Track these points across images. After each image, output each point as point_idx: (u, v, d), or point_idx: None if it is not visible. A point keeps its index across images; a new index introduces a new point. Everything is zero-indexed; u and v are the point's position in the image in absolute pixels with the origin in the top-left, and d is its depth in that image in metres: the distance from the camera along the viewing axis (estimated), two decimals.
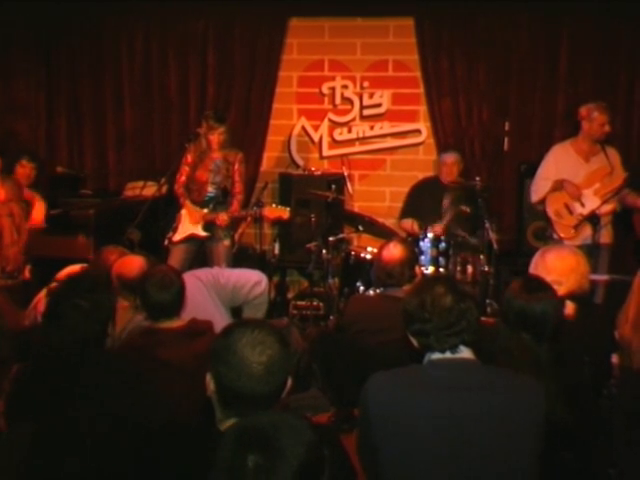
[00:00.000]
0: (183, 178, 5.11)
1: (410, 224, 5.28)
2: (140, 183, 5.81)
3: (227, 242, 5.09)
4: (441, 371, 2.02)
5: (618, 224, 4.92)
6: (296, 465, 1.29)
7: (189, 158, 5.09)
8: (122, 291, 3.14)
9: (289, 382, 1.88)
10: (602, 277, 4.57)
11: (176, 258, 4.97)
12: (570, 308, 2.81)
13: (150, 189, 5.52)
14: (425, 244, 4.80)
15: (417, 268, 3.51)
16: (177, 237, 5.07)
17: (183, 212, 5.11)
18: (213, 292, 3.35)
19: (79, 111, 6.50)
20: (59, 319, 2.27)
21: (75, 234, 5.23)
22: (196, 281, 3.35)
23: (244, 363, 1.81)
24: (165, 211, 5.36)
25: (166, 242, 5.08)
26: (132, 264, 3.27)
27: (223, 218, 4.95)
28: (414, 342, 2.11)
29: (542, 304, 2.33)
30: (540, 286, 2.45)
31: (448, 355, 2.03)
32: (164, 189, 5.25)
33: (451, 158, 5.41)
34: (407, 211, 5.49)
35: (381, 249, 3.45)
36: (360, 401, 2.05)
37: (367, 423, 2.01)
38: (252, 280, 3.50)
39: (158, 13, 6.26)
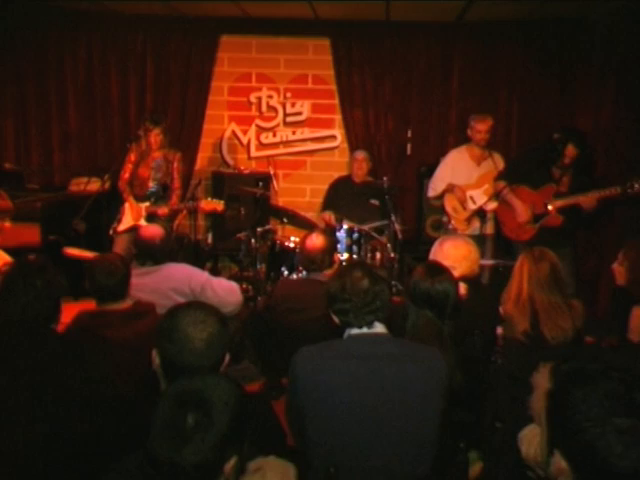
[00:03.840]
0: (126, 175, 4.99)
1: (328, 216, 5.32)
2: (84, 179, 5.61)
3: None
4: (359, 344, 2.04)
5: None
6: (229, 418, 1.33)
7: (132, 157, 4.99)
8: None
9: (227, 357, 1.85)
10: (488, 262, 4.71)
11: (120, 246, 4.85)
12: (463, 288, 2.87)
13: (94, 184, 5.36)
14: (341, 234, 4.84)
15: (335, 255, 3.52)
16: (121, 227, 4.94)
17: (126, 205, 4.98)
18: (185, 299, 2.90)
19: (25, 113, 6.16)
20: (13, 297, 2.13)
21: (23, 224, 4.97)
22: (177, 293, 3.03)
23: (187, 339, 1.77)
24: (108, 205, 5.19)
25: (111, 232, 4.95)
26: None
27: (163, 210, 4.89)
28: (335, 319, 2.12)
29: (443, 285, 2.38)
30: (440, 270, 2.50)
31: (365, 330, 2.05)
32: (107, 185, 5.08)
33: (361, 155, 5.48)
34: (326, 205, 5.52)
35: (305, 239, 3.43)
36: (289, 371, 2.04)
37: (295, 390, 2.02)
38: (231, 303, 3.15)
39: (99, 26, 6.01)
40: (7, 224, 3.44)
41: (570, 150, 4.23)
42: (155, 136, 4.85)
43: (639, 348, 2.76)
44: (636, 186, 3.95)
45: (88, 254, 4.03)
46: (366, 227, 4.93)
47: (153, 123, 4.88)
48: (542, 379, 1.88)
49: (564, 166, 4.29)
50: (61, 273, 2.29)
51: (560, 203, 4.28)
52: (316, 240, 3.33)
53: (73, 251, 4.35)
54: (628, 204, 4.49)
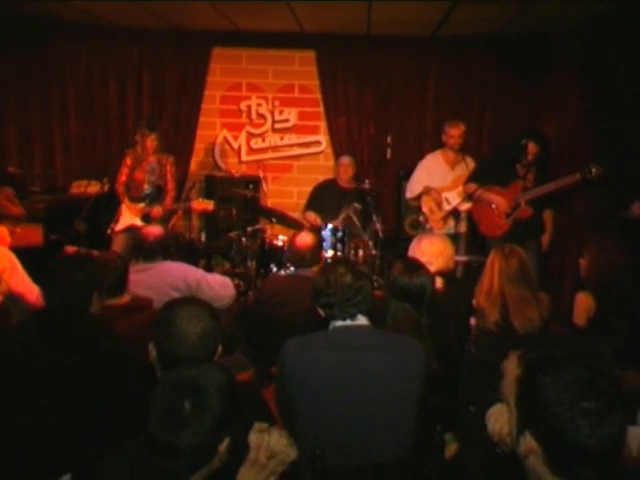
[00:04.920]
0: (123, 178, 4.95)
1: (313, 217, 5.30)
2: (84, 182, 5.57)
3: None
4: (343, 335, 2.03)
5: (472, 218, 5.12)
6: (222, 402, 1.36)
7: (128, 161, 4.95)
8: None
9: (219, 348, 1.84)
10: (462, 258, 4.74)
11: (118, 245, 4.81)
12: (439, 282, 2.88)
13: (93, 187, 5.32)
14: (326, 233, 4.82)
15: (321, 253, 3.51)
16: (119, 227, 4.90)
17: (124, 206, 4.93)
18: (181, 294, 2.90)
19: (28, 120, 6.09)
20: (54, 283, 2.18)
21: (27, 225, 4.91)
22: (173, 288, 2.99)
23: (182, 333, 1.77)
24: (107, 206, 5.14)
25: (109, 231, 4.90)
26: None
27: (158, 211, 4.85)
28: (321, 312, 2.11)
29: (421, 280, 2.38)
30: (418, 266, 2.50)
31: (348, 322, 2.05)
32: (106, 187, 5.04)
33: (347, 160, 5.45)
34: (310, 206, 5.49)
35: (294, 237, 3.39)
36: (278, 361, 2.04)
37: (284, 378, 2.01)
38: (226, 297, 3.16)
39: (98, 39, 5.96)
40: (18, 229, 3.42)
41: (532, 147, 4.34)
42: (151, 141, 4.83)
43: (586, 335, 2.80)
44: (593, 170, 4.04)
45: None
46: (342, 216, 4.95)
47: (149, 129, 4.85)
48: (511, 366, 1.90)
49: (528, 163, 4.38)
50: (102, 270, 2.39)
51: (529, 196, 4.37)
52: (306, 238, 3.31)
53: (74, 250, 4.31)
54: (592, 197, 4.58)
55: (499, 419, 1.36)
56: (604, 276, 2.95)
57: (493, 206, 4.48)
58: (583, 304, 2.93)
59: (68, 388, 1.94)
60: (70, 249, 3.70)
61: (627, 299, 2.87)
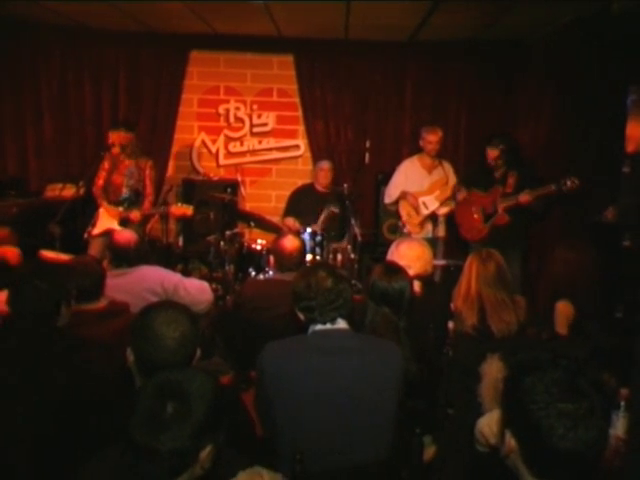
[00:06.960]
0: (101, 182, 4.92)
1: (292, 222, 5.29)
2: (59, 185, 5.46)
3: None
4: (323, 339, 2.04)
5: (450, 222, 5.18)
6: (205, 408, 1.35)
7: (106, 165, 4.92)
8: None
9: (198, 353, 1.83)
10: (440, 262, 4.79)
11: (95, 249, 4.76)
12: (417, 286, 2.90)
13: (68, 190, 5.23)
14: (305, 237, 4.82)
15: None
16: (96, 231, 4.84)
17: (101, 210, 4.89)
18: (158, 298, 2.90)
19: (0, 122, 5.97)
20: (19, 294, 2.13)
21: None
22: (151, 293, 2.97)
23: (160, 338, 1.75)
24: (83, 210, 5.07)
25: (86, 235, 4.85)
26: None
27: (136, 215, 4.81)
28: (301, 316, 2.11)
29: (399, 284, 2.40)
30: (396, 270, 2.52)
31: (328, 326, 2.05)
32: (82, 191, 4.97)
33: (327, 165, 5.45)
34: (288, 211, 5.48)
35: (282, 242, 3.31)
36: (257, 365, 2.03)
37: (263, 382, 2.00)
38: (203, 301, 3.15)
39: (73, 41, 5.89)
40: None
41: (489, 152, 4.46)
42: (119, 136, 4.78)
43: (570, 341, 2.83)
44: (568, 183, 4.09)
45: (63, 257, 3.93)
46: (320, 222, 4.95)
47: (113, 126, 4.90)
48: (489, 368, 1.92)
49: (496, 166, 4.48)
50: (69, 279, 2.33)
51: (505, 204, 4.44)
52: (294, 242, 3.27)
53: (49, 254, 4.24)
54: (566, 202, 4.64)
55: (492, 423, 1.38)
56: (567, 278, 2.99)
57: (473, 210, 4.55)
58: (563, 312, 2.95)
59: (34, 404, 1.89)
60: (45, 253, 3.64)
61: (598, 301, 2.91)
